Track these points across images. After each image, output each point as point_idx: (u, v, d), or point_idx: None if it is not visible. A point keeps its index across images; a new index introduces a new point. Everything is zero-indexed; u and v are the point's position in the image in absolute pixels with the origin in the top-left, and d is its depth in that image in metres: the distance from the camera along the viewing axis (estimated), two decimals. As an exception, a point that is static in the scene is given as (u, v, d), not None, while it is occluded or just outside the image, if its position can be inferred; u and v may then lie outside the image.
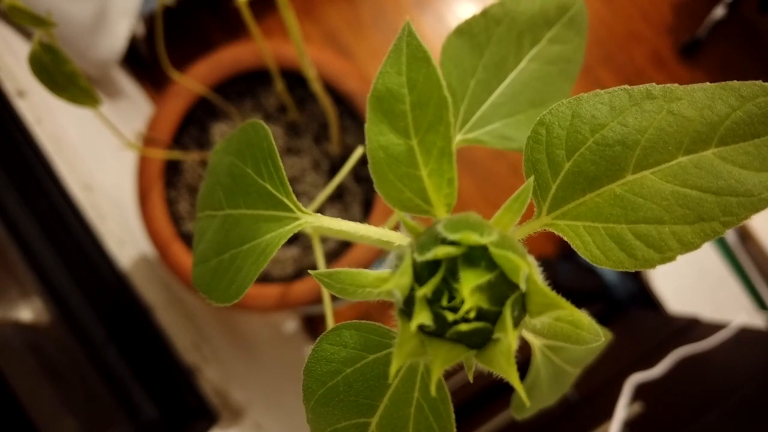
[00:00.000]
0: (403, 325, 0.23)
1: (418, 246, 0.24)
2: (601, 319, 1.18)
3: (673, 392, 0.88)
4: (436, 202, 0.27)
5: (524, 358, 0.38)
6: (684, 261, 1.19)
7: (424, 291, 0.22)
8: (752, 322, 1.00)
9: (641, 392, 0.85)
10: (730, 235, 1.07)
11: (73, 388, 0.75)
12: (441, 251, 0.23)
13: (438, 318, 0.23)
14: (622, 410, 0.80)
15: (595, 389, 0.94)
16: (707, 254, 1.12)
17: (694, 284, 1.19)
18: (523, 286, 0.22)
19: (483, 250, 0.23)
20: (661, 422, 0.81)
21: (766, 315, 1.01)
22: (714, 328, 0.99)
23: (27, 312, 0.75)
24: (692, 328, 1.07)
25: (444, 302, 0.23)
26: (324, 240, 0.81)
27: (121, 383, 0.76)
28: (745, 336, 0.95)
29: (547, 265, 1.39)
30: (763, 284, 1.01)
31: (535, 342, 0.37)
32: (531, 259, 0.24)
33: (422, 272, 0.24)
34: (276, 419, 0.93)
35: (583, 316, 0.24)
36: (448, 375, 1.20)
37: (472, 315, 0.23)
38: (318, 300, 0.76)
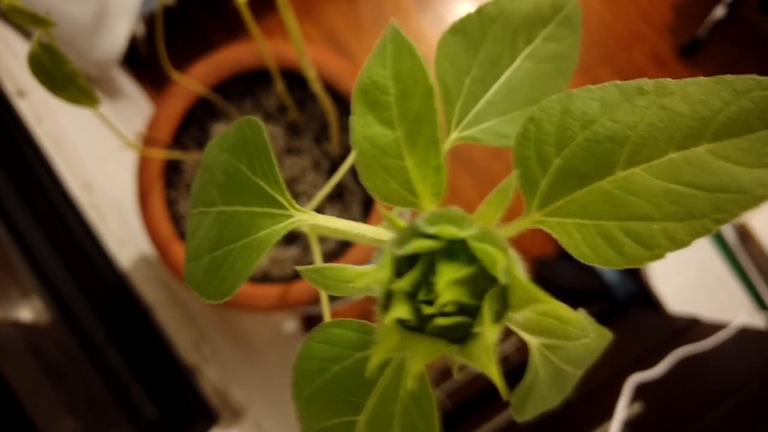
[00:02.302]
0: (382, 320, 0.23)
1: (399, 240, 0.24)
2: (601, 319, 1.18)
3: (673, 392, 0.87)
4: (421, 194, 0.27)
5: (523, 358, 0.38)
6: (684, 261, 1.19)
7: (401, 284, 0.22)
8: (752, 322, 1.00)
9: (641, 392, 0.85)
10: (730, 235, 1.07)
11: (73, 388, 0.75)
12: (418, 244, 0.23)
13: (418, 313, 0.23)
14: (622, 410, 0.79)
15: (595, 389, 0.94)
16: (707, 254, 1.12)
17: (694, 284, 1.19)
18: (503, 280, 0.22)
19: (463, 243, 0.23)
20: (661, 422, 0.81)
21: (766, 315, 1.01)
22: (714, 328, 0.99)
23: (27, 312, 0.76)
24: (692, 328, 1.06)
25: (422, 296, 0.23)
26: (324, 240, 0.81)
27: (121, 383, 0.76)
28: (745, 336, 0.95)
29: (547, 264, 1.39)
30: (763, 284, 1.01)
31: (533, 341, 0.36)
32: (513, 253, 0.24)
33: (402, 267, 0.24)
34: (276, 419, 0.93)
35: (567, 311, 0.24)
36: (446, 376, 1.20)
37: (450, 309, 0.23)
38: (317, 300, 0.76)
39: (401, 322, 0.24)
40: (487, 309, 0.22)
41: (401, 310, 0.22)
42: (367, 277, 0.23)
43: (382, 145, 0.27)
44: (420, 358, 0.23)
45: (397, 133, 0.27)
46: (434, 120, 0.26)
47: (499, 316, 0.23)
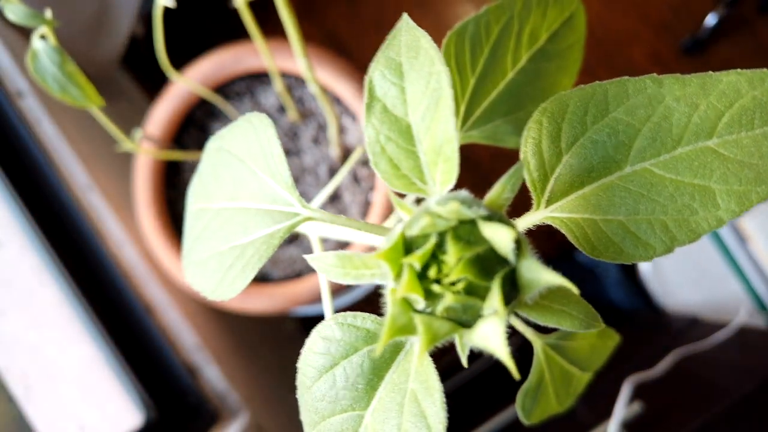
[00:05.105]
0: (392, 299, 0.23)
1: (410, 223, 0.24)
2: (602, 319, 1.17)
3: (672, 392, 0.87)
4: (432, 180, 0.27)
5: (524, 359, 0.37)
6: (684, 261, 1.19)
7: (411, 260, 0.23)
8: (752, 322, 1.00)
9: (641, 392, 0.85)
10: (730, 236, 1.07)
11: (72, 388, 0.75)
12: (429, 223, 0.23)
13: (429, 294, 0.23)
14: (621, 410, 0.80)
15: (594, 389, 0.94)
16: (707, 254, 1.12)
17: (694, 284, 1.19)
18: (511, 259, 0.23)
19: (473, 224, 0.23)
20: (661, 422, 0.81)
21: (766, 315, 1.01)
22: (714, 328, 0.99)
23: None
24: (692, 328, 1.07)
25: (432, 274, 0.23)
26: (323, 241, 0.81)
27: (121, 383, 0.76)
28: (745, 336, 0.95)
29: (547, 265, 1.39)
30: (763, 284, 1.01)
31: (537, 341, 0.36)
32: (522, 236, 0.24)
33: (412, 248, 0.24)
34: (276, 419, 0.93)
35: (573, 292, 0.24)
36: (451, 372, 1.19)
37: (460, 287, 0.23)
38: (318, 300, 0.76)
39: (411, 306, 0.24)
40: (497, 287, 0.22)
41: (412, 286, 0.22)
42: (378, 254, 0.23)
43: (393, 131, 0.27)
44: (428, 338, 0.23)
45: (408, 119, 0.27)
46: (448, 106, 0.26)
47: (509, 299, 0.23)
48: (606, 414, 0.81)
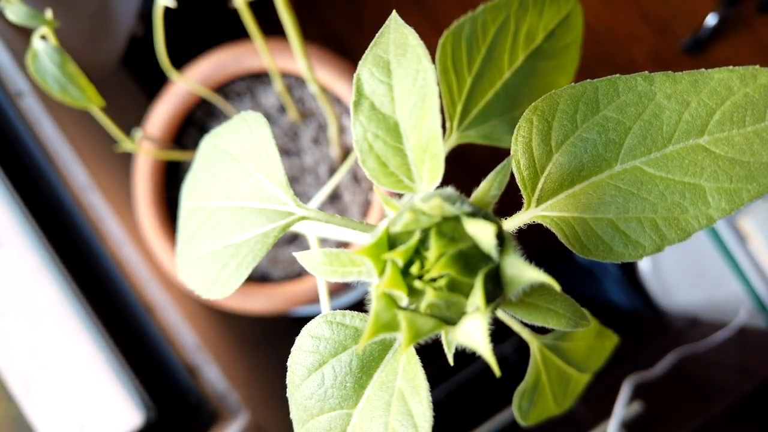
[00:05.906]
0: (376, 295, 0.23)
1: (394, 220, 0.24)
2: (601, 320, 1.17)
3: (672, 392, 0.87)
4: (419, 178, 0.27)
5: (522, 360, 0.37)
6: (684, 261, 1.19)
7: (393, 256, 0.23)
8: (752, 322, 1.00)
9: (641, 392, 0.85)
10: (729, 236, 1.07)
11: (72, 387, 0.75)
12: (412, 219, 0.23)
13: (413, 291, 0.23)
14: (620, 410, 0.79)
15: (593, 389, 0.94)
16: (707, 254, 1.12)
17: (694, 284, 1.18)
18: (495, 256, 0.23)
19: (457, 221, 0.23)
20: (661, 422, 0.81)
21: (766, 315, 1.01)
22: (714, 328, 0.99)
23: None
24: (692, 328, 1.06)
25: (415, 270, 0.23)
26: (322, 242, 0.81)
27: (121, 383, 0.76)
28: (745, 336, 0.95)
29: (545, 267, 1.38)
30: (763, 284, 1.01)
31: (534, 342, 0.36)
32: (507, 233, 0.24)
33: (396, 244, 0.24)
34: (276, 419, 0.93)
35: (556, 288, 0.24)
36: (448, 374, 1.20)
37: (442, 283, 0.23)
38: (317, 300, 0.76)
39: (395, 303, 0.24)
40: (480, 284, 0.22)
41: (394, 282, 0.23)
42: (362, 250, 0.23)
43: (381, 128, 0.27)
44: (412, 334, 0.23)
45: (395, 117, 0.27)
46: (434, 103, 0.26)
47: (492, 297, 0.23)
48: (606, 414, 0.81)
